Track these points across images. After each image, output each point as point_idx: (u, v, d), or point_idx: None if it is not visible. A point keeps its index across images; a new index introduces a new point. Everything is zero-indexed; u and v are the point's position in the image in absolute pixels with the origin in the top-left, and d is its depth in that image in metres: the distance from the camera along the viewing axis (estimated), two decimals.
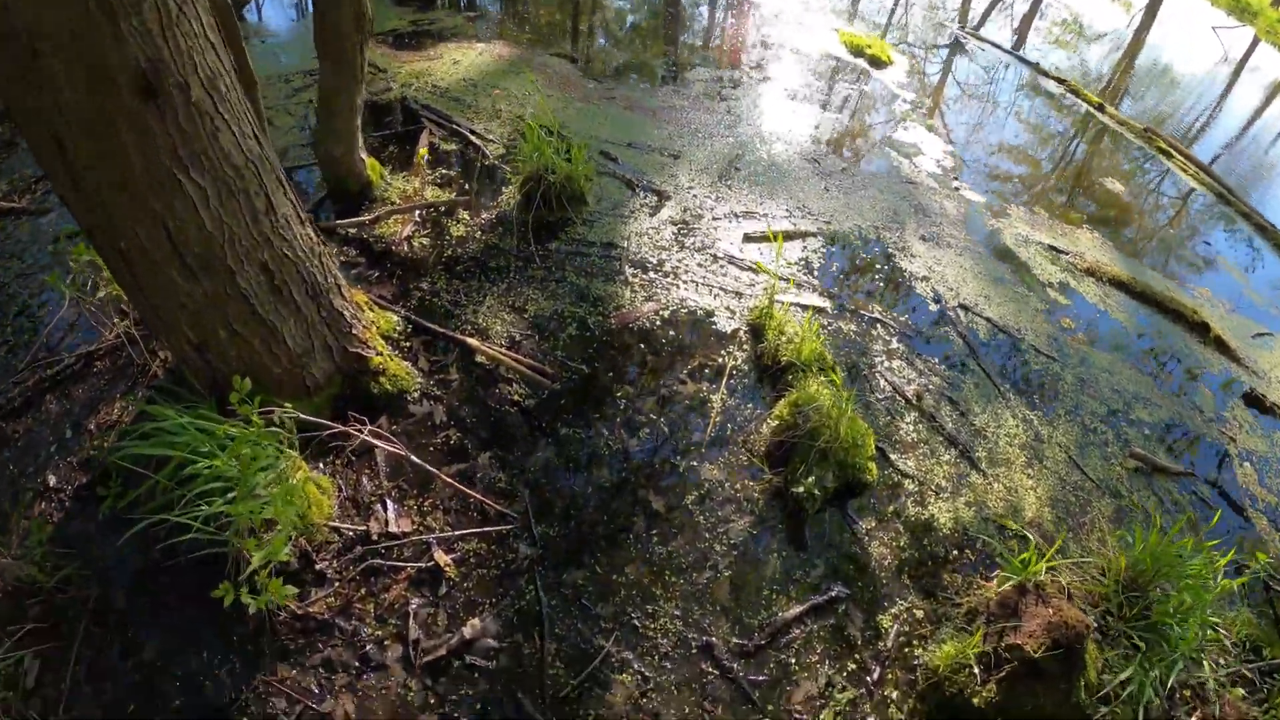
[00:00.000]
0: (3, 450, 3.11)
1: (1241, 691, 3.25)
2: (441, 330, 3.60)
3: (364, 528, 3.01)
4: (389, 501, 3.08)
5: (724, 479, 3.35)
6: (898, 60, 7.38)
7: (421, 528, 3.03)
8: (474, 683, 2.72)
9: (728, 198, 4.67)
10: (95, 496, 2.96)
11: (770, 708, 2.79)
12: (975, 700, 2.94)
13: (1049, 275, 5.00)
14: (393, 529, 3.01)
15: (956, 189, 5.47)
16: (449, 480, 3.05)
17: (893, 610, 3.16)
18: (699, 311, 3.92)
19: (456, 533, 2.99)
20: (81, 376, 3.38)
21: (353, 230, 4.11)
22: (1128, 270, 5.33)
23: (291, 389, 3.16)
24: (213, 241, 2.65)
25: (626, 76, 6.08)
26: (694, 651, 2.86)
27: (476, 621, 2.82)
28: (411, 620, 2.82)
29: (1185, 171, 6.94)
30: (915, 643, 3.12)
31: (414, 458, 3.04)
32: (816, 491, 3.23)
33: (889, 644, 3.07)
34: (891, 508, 3.45)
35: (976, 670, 2.96)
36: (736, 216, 4.54)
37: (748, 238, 4.40)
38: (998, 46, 8.53)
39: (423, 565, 2.93)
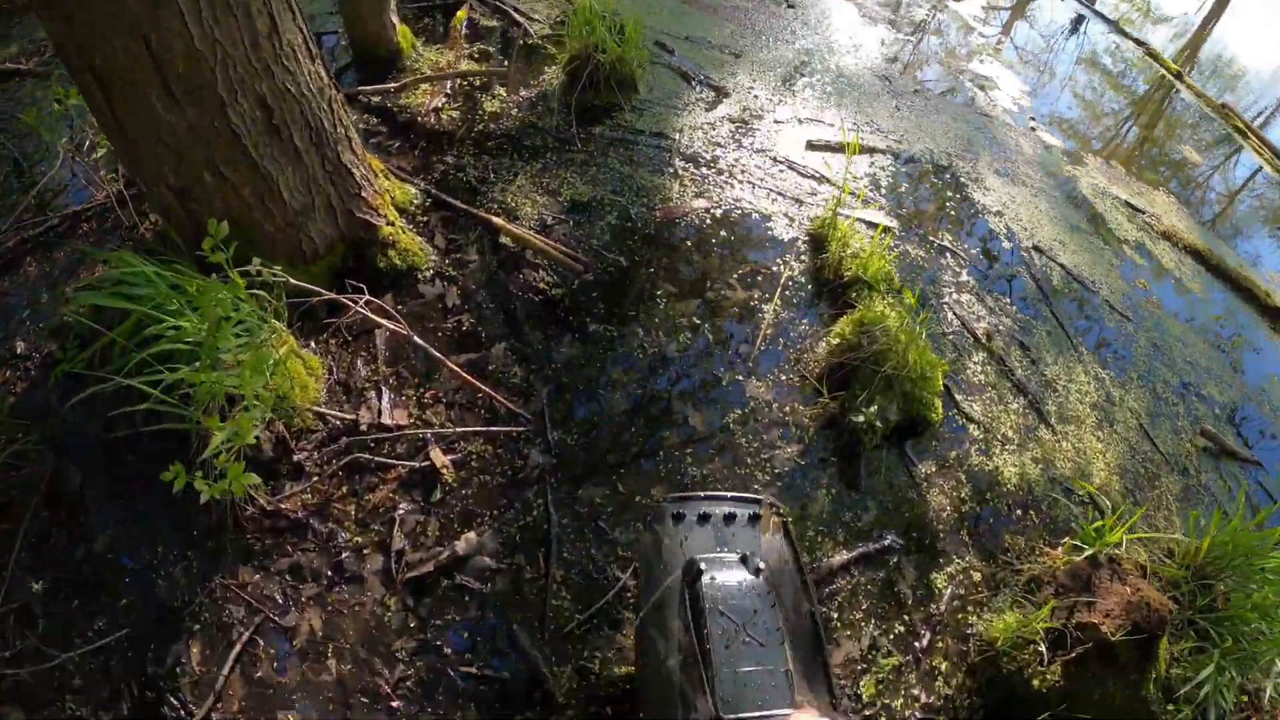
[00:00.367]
0: None
1: None
2: (464, 206, 2.97)
3: (352, 417, 2.44)
4: (384, 390, 2.50)
5: (771, 399, 2.76)
6: None
7: (419, 422, 2.46)
8: (463, 607, 2.18)
9: (791, 103, 3.99)
10: (51, 377, 2.44)
11: None
12: (1035, 682, 2.38)
13: (1125, 232, 4.31)
14: (385, 420, 2.44)
15: (1032, 129, 4.74)
16: (456, 369, 2.46)
17: (948, 569, 2.60)
18: (754, 215, 3.28)
19: (459, 429, 2.38)
20: (66, 238, 2.87)
21: (376, 99, 3.46)
22: (1204, 241, 4.61)
23: (285, 252, 2.56)
24: (202, 63, 2.10)
25: None
26: None
27: (473, 535, 2.26)
28: (397, 528, 2.27)
29: (1260, 155, 6.14)
30: (970, 609, 2.55)
31: (417, 339, 2.45)
32: (878, 423, 2.64)
33: (942, 607, 2.50)
34: (954, 453, 2.85)
35: (1043, 648, 2.37)
36: (800, 122, 3.86)
37: (811, 145, 3.72)
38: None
39: (416, 465, 2.37)
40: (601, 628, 2.18)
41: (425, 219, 2.95)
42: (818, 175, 3.53)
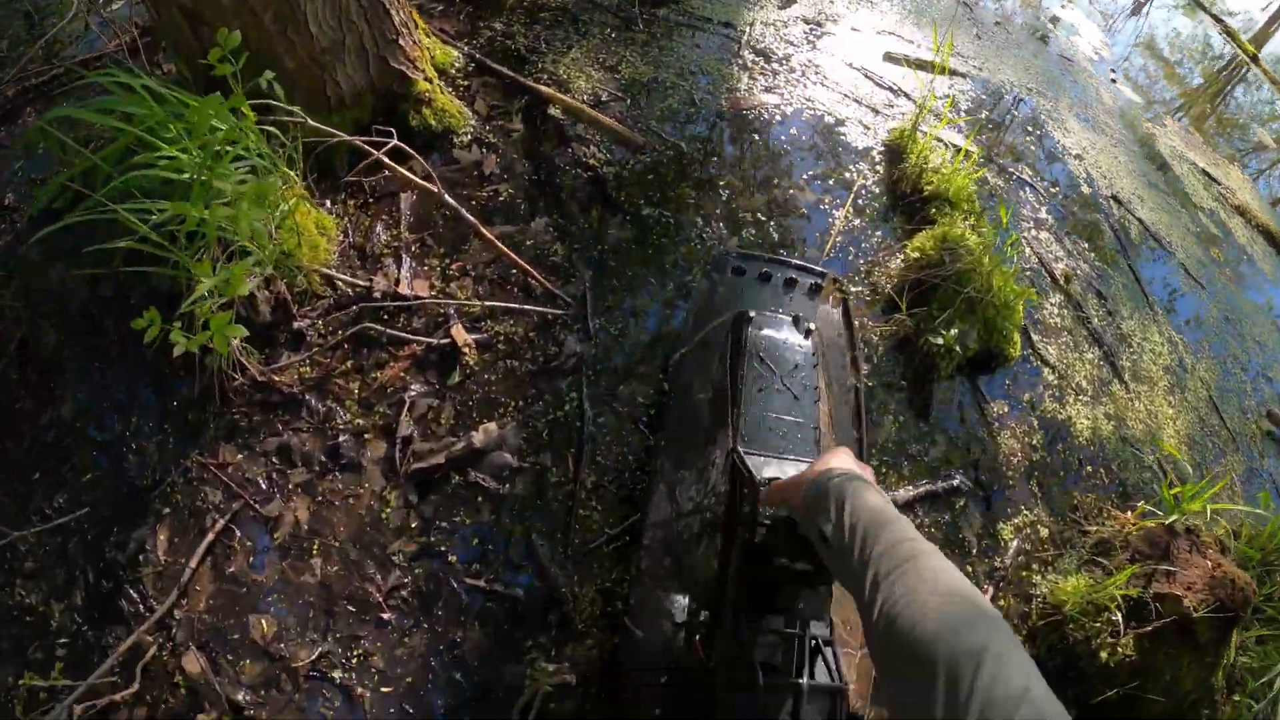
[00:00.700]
0: None
1: None
2: (511, 73, 2.50)
3: (366, 284, 1.99)
4: (405, 257, 2.04)
5: None
6: None
7: (442, 295, 1.98)
8: (474, 508, 1.78)
9: (868, 12, 3.43)
10: (48, 217, 2.00)
11: None
12: (1103, 654, 1.98)
13: (1201, 199, 3.82)
14: (404, 290, 1.98)
15: (1113, 81, 4.20)
16: (491, 238, 2.00)
17: (1015, 520, 2.19)
18: (827, 117, 2.80)
19: (486, 303, 1.93)
20: (70, 89, 2.43)
21: None
22: (1276, 223, 4.10)
23: (305, 95, 2.11)
24: None
25: None
26: None
27: (493, 427, 1.84)
28: (406, 412, 1.85)
29: None
30: (1035, 566, 2.14)
31: (449, 197, 1.97)
32: (957, 348, 2.19)
33: (1007, 561, 2.09)
34: (1028, 396, 2.42)
35: (1119, 616, 1.96)
36: (879, 33, 3.31)
37: (889, 56, 3.19)
38: None
39: (434, 342, 1.94)
40: (633, 549, 1.76)
41: (466, 83, 2.48)
42: (895, 88, 3.01)
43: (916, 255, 2.34)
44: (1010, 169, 3.04)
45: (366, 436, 1.81)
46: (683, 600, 1.50)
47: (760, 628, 1.19)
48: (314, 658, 1.58)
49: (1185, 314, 3.18)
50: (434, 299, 1.96)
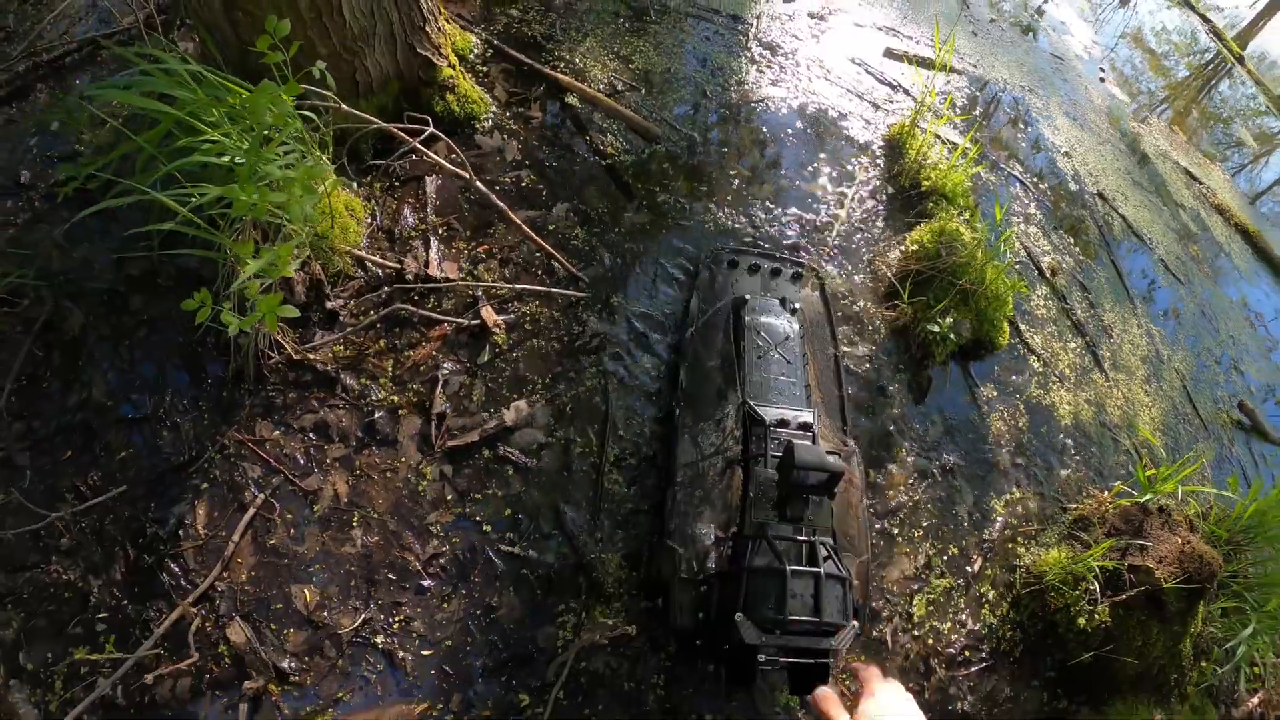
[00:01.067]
0: None
1: None
2: (529, 61, 2.59)
3: (397, 265, 2.10)
4: (433, 240, 2.14)
5: (845, 293, 2.49)
6: None
7: (470, 277, 2.09)
8: (505, 481, 1.89)
9: (870, 8, 3.56)
10: (58, 195, 2.07)
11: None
12: (1080, 620, 2.17)
13: (1182, 197, 4.03)
14: (433, 272, 2.08)
15: (1102, 80, 4.38)
16: (518, 220, 2.12)
17: (1004, 497, 2.34)
18: (831, 111, 2.94)
19: (515, 286, 2.05)
20: (83, 66, 2.45)
21: None
22: (1254, 223, 4.33)
23: (337, 81, 2.16)
24: None
25: None
26: None
27: (523, 404, 1.96)
28: (439, 390, 1.96)
29: None
30: (1019, 540, 2.32)
31: (480, 184, 2.07)
32: (951, 335, 2.36)
33: (994, 534, 2.27)
34: (1015, 381, 2.59)
35: (1096, 585, 2.15)
36: (879, 29, 3.45)
37: (890, 53, 3.33)
38: None
39: (464, 323, 2.05)
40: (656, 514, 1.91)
41: (485, 69, 2.57)
42: (895, 84, 3.16)
43: (915, 248, 2.50)
44: (1002, 165, 3.21)
45: (401, 413, 1.92)
46: (711, 523, 1.78)
47: (779, 535, 1.55)
48: (357, 624, 1.69)
49: (1163, 307, 3.39)
50: (463, 281, 2.08)
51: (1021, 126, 3.51)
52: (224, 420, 1.87)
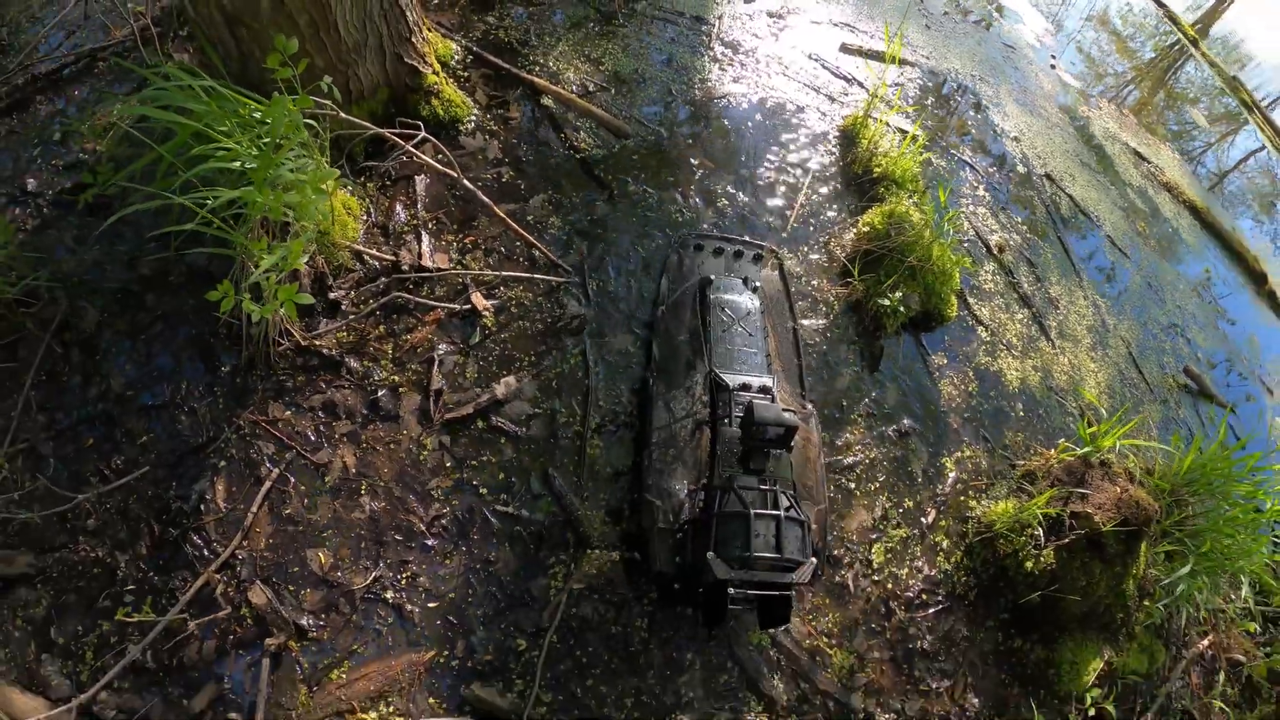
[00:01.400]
0: None
1: (1255, 627, 2.72)
2: (507, 66, 2.78)
3: (392, 258, 2.30)
4: (424, 234, 2.34)
5: (801, 273, 2.71)
6: None
7: (459, 266, 2.29)
8: (498, 449, 2.09)
9: (827, 5, 3.77)
10: (78, 202, 2.23)
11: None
12: (1028, 564, 2.40)
13: (1130, 177, 4.26)
14: (426, 262, 2.28)
15: (1053, 67, 4.60)
16: (501, 214, 2.33)
17: (955, 454, 2.57)
18: (789, 105, 3.16)
19: (501, 273, 2.25)
20: (80, 78, 2.58)
21: None
22: (1202, 199, 4.57)
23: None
24: None
25: None
26: None
27: (511, 379, 2.16)
28: (435, 368, 2.16)
29: (1262, 131, 6.04)
30: (971, 494, 2.54)
31: (467, 181, 2.27)
32: (901, 308, 2.60)
33: (946, 489, 2.50)
34: (964, 349, 2.82)
35: (1040, 531, 2.38)
36: (835, 25, 3.66)
37: (845, 48, 3.55)
38: None
39: (456, 308, 2.25)
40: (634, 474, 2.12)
41: (466, 75, 2.76)
42: (850, 77, 3.38)
43: (867, 229, 2.71)
44: (953, 151, 3.43)
45: (401, 390, 2.12)
46: (684, 478, 2.01)
47: (744, 485, 1.77)
48: (368, 582, 1.89)
49: (1109, 280, 3.62)
50: (453, 270, 2.28)
51: (972, 114, 3.73)
52: (238, 404, 2.04)
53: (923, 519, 2.41)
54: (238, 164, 1.95)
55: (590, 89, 2.83)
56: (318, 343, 2.15)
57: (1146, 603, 2.64)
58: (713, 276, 2.33)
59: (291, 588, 1.87)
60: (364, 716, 1.80)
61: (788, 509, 1.74)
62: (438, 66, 2.63)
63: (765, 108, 3.08)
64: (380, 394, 2.11)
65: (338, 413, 2.08)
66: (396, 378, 2.14)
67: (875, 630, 2.20)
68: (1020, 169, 3.63)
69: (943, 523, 2.45)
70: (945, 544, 2.41)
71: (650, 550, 1.94)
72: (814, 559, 1.74)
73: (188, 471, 1.95)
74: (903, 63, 3.65)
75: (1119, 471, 2.61)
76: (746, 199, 2.79)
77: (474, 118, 2.64)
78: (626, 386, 2.26)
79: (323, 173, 1.99)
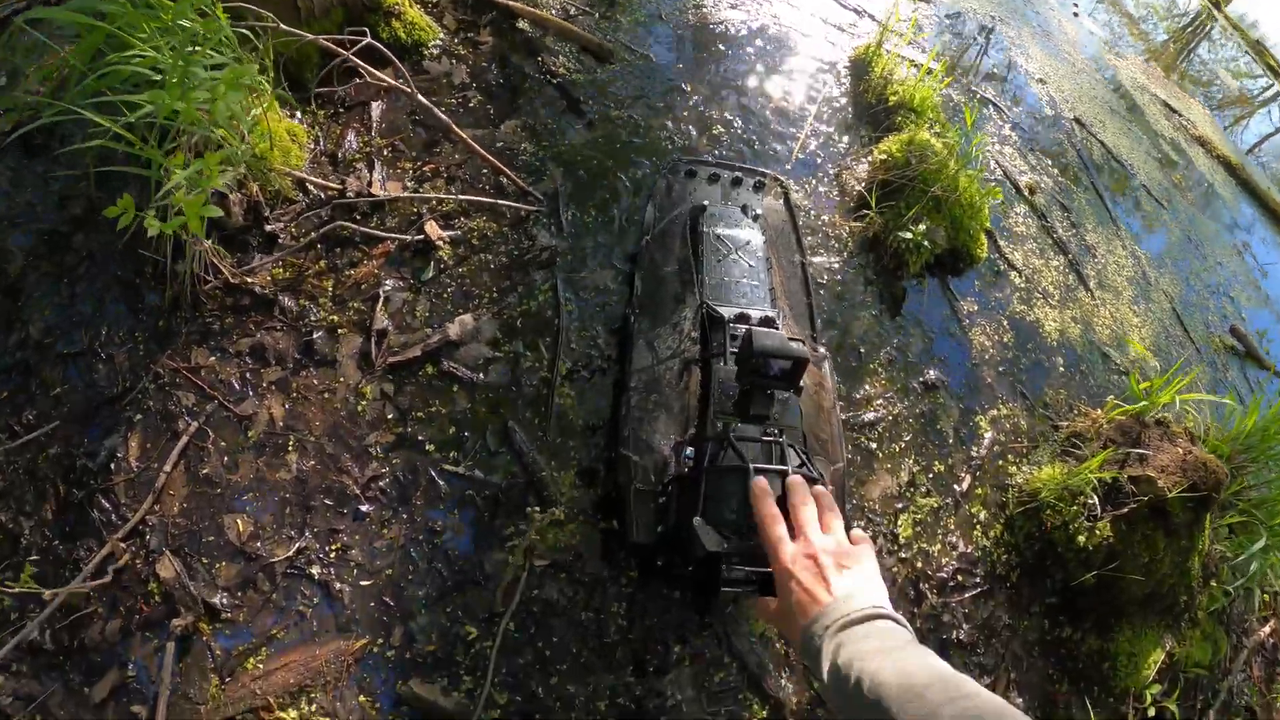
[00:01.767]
0: None
1: None
2: None
3: (338, 186, 1.86)
4: (377, 161, 1.91)
5: (809, 205, 2.22)
6: None
7: (414, 195, 1.84)
8: (450, 399, 1.66)
9: None
10: (13, 147, 1.83)
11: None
12: (1080, 538, 1.91)
13: (1162, 128, 3.76)
14: (376, 191, 1.83)
15: (1075, 14, 4.08)
16: (463, 135, 1.87)
17: (991, 413, 2.10)
18: (793, 33, 2.71)
19: (460, 197, 1.81)
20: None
21: None
22: (1236, 155, 4.03)
23: (277, 7, 1.94)
24: None
25: None
26: None
27: (468, 318, 1.72)
28: (380, 306, 1.73)
29: None
30: (1010, 457, 2.05)
31: (421, 97, 1.83)
32: (926, 243, 2.10)
33: (983, 451, 2.00)
34: (996, 296, 2.34)
35: (1095, 499, 1.88)
36: None
37: None
38: None
39: (408, 239, 1.81)
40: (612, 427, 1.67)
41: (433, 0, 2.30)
42: (860, 10, 2.90)
43: (884, 157, 2.24)
44: (974, 88, 2.94)
45: (341, 332, 1.69)
46: (669, 429, 1.56)
47: (743, 435, 1.27)
48: (291, 554, 1.47)
49: (1148, 232, 3.11)
50: (406, 194, 1.84)
51: (993, 53, 3.24)
52: (160, 349, 1.65)
53: (956, 486, 1.93)
54: (156, 75, 1.55)
55: (572, 12, 2.36)
56: (250, 280, 1.72)
57: (1213, 584, 2.14)
58: (706, 203, 1.86)
59: (205, 560, 1.46)
60: (282, 716, 1.37)
61: (799, 465, 1.26)
62: None
63: (767, 35, 2.61)
64: (316, 336, 1.68)
65: (267, 357, 1.65)
66: (335, 318, 1.70)
67: (906, 615, 1.70)
68: (1048, 111, 3.14)
69: (979, 490, 1.97)
70: (983, 515, 1.93)
71: (626, 517, 1.48)
72: None
73: (100, 425, 1.56)
74: None
75: (1178, 431, 2.11)
76: (745, 126, 2.33)
77: (440, 42, 2.19)
78: (604, 327, 1.81)
79: (241, 70, 1.56)
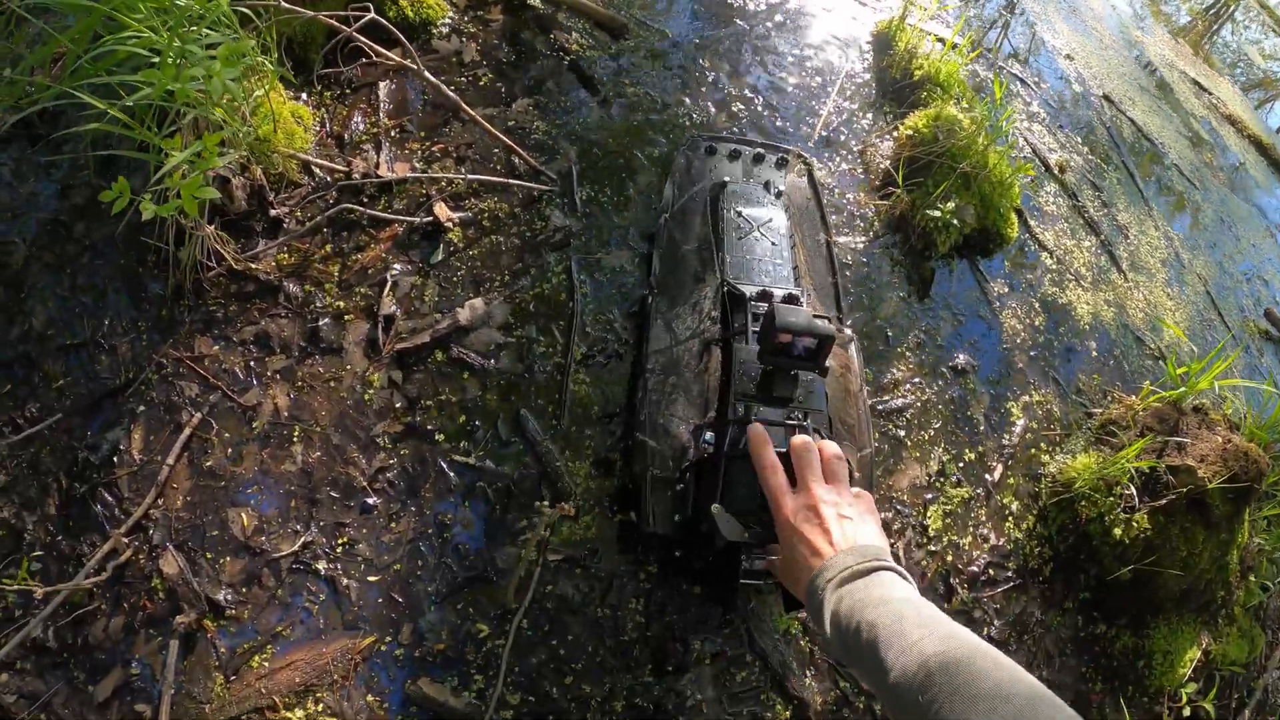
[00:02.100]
0: None
1: None
2: None
3: (345, 169, 1.73)
4: (384, 142, 1.78)
5: (833, 183, 2.07)
6: None
7: (423, 176, 1.72)
8: (460, 386, 1.54)
9: None
10: (19, 137, 1.72)
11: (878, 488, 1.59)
12: (1117, 530, 1.76)
13: (1192, 107, 3.55)
14: (384, 173, 1.70)
15: None
16: (472, 113, 1.77)
17: (1023, 399, 1.93)
18: (814, 6, 2.56)
19: (470, 177, 1.68)
20: None
21: None
22: (1268, 135, 3.80)
23: None
24: None
25: None
26: None
27: (479, 302, 1.60)
28: (388, 291, 1.61)
29: None
30: (1043, 445, 1.88)
31: (430, 75, 1.72)
32: (955, 221, 1.93)
33: (1014, 439, 1.85)
34: (1027, 278, 2.19)
35: (1133, 489, 1.73)
36: None
37: None
38: None
39: (416, 221, 1.69)
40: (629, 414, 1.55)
41: None
42: None
43: (910, 134, 2.07)
44: (1000, 64, 2.76)
45: (347, 318, 1.58)
46: (686, 412, 1.46)
47: (765, 418, 1.18)
48: (296, 549, 1.37)
49: (1180, 212, 2.92)
50: (415, 176, 1.71)
51: (1019, 29, 3.04)
52: (162, 339, 1.55)
53: (987, 476, 1.79)
54: (154, 57, 1.44)
55: None
56: (254, 266, 1.62)
57: (1250, 579, 1.98)
58: (727, 179, 1.74)
59: (209, 555, 1.36)
60: (287, 715, 1.28)
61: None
62: None
63: (787, 9, 2.44)
64: (322, 322, 1.57)
65: (272, 346, 1.55)
66: (342, 303, 1.59)
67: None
68: (1076, 88, 2.94)
69: (1011, 480, 1.82)
70: (1015, 507, 1.79)
71: (642, 505, 1.37)
72: None
73: (103, 418, 1.47)
74: None
75: (1216, 419, 1.95)
76: (765, 102, 2.18)
77: (449, 20, 2.05)
78: (620, 311, 1.69)
79: (239, 45, 1.44)
